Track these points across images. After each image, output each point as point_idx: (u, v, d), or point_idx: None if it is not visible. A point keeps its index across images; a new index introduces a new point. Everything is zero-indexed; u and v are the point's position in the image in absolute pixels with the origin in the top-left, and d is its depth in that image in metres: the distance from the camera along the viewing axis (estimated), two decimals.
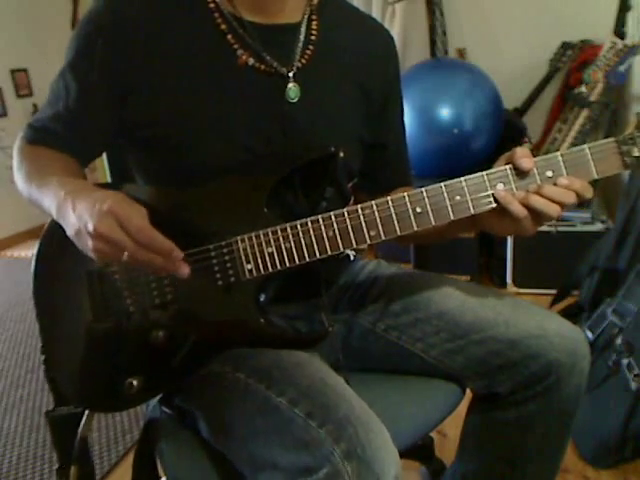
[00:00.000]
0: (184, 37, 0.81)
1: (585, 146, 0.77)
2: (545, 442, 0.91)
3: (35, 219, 3.48)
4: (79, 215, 0.68)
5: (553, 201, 0.75)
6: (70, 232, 0.71)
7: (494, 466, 0.96)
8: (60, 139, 0.84)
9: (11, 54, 3.59)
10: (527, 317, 0.88)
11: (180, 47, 0.80)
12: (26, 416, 1.84)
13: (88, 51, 0.80)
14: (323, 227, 0.77)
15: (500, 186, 0.76)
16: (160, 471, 0.92)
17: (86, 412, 0.89)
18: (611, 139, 0.77)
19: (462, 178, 0.76)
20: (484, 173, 0.77)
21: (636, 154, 0.76)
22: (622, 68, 2.34)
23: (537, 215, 0.76)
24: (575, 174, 0.76)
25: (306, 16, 0.86)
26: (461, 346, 0.89)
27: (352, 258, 1.04)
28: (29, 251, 3.52)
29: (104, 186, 0.85)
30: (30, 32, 3.62)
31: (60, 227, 0.74)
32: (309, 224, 0.77)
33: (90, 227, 0.66)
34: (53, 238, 0.84)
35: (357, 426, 0.67)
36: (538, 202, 0.75)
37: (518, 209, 0.75)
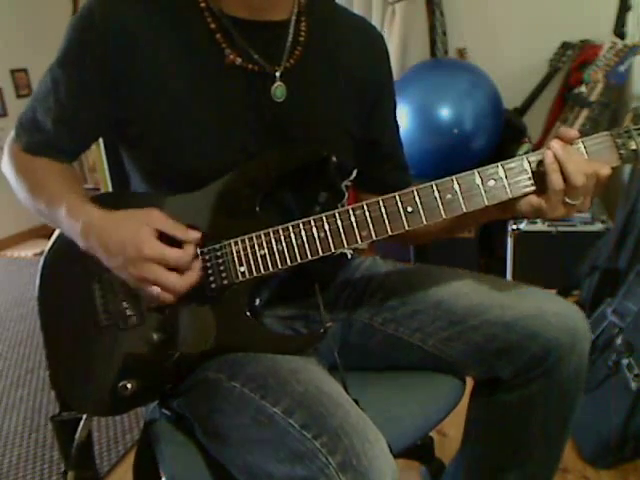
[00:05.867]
0: (174, 35, 0.81)
1: (579, 140, 0.76)
2: (549, 423, 0.91)
3: (35, 219, 3.47)
4: (117, 252, 0.76)
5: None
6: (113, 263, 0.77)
7: (499, 450, 0.96)
8: (50, 138, 0.85)
9: (11, 54, 3.58)
10: (522, 298, 0.88)
11: (169, 45, 0.80)
12: (26, 416, 1.84)
13: (79, 49, 0.80)
14: (314, 228, 0.77)
15: (491, 183, 0.76)
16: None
17: (83, 417, 0.89)
18: (605, 132, 0.76)
19: (453, 176, 0.76)
20: (475, 171, 0.76)
21: (633, 147, 0.75)
22: (622, 68, 2.34)
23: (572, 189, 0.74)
24: None
25: (294, 15, 0.86)
26: (458, 332, 0.89)
27: (349, 257, 1.04)
28: (29, 251, 3.51)
29: (102, 197, 0.87)
30: (30, 32, 3.61)
31: (66, 242, 0.81)
32: (301, 225, 0.78)
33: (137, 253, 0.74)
34: (58, 251, 0.87)
35: (352, 436, 0.66)
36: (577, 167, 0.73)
37: (558, 180, 0.74)
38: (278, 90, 0.84)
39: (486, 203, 0.76)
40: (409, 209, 0.76)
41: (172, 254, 0.75)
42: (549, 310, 0.86)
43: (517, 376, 0.88)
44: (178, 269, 0.75)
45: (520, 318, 0.86)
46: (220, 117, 0.82)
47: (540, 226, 2.30)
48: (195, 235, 0.78)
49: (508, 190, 0.77)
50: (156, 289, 0.75)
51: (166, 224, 0.77)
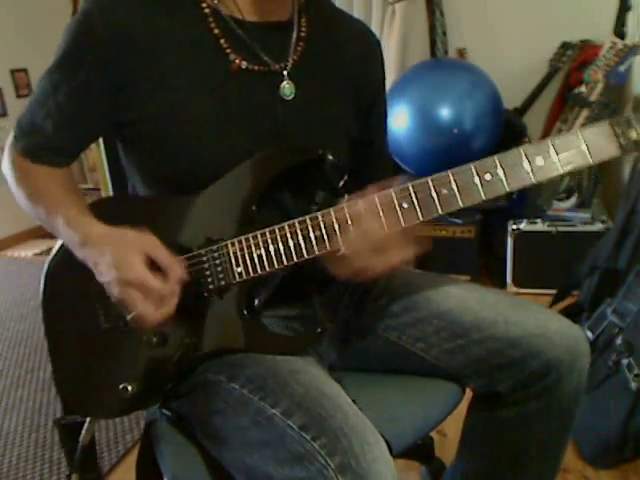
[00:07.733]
0: (177, 41, 0.80)
1: (577, 130, 0.74)
2: (546, 440, 0.91)
3: (35, 219, 3.46)
4: (106, 269, 0.76)
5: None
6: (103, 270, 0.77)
7: (494, 465, 0.96)
8: (50, 141, 0.84)
9: (11, 54, 3.59)
10: (527, 316, 0.88)
11: (173, 51, 0.80)
12: (26, 416, 1.84)
13: (78, 52, 0.80)
14: (310, 227, 0.77)
15: (487, 176, 0.75)
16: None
17: (87, 420, 0.89)
18: (605, 121, 0.74)
19: (449, 171, 0.75)
20: (471, 164, 0.75)
21: (634, 137, 0.73)
22: (622, 68, 2.34)
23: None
24: (569, 159, 0.74)
25: (295, 15, 0.87)
26: (461, 345, 0.89)
27: None
28: (29, 251, 3.51)
29: (101, 204, 0.87)
30: (30, 32, 3.61)
31: (68, 252, 0.81)
32: (296, 225, 0.77)
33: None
34: (62, 257, 0.87)
35: (352, 438, 0.66)
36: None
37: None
38: (287, 88, 0.84)
39: (483, 198, 0.76)
40: (405, 205, 0.76)
41: (154, 283, 0.74)
42: (552, 328, 0.86)
43: (515, 391, 0.88)
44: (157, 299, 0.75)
45: (525, 336, 0.85)
46: (225, 120, 0.82)
47: (540, 226, 2.31)
48: (178, 272, 0.76)
49: (505, 184, 0.76)
50: (132, 313, 0.75)
51: (157, 252, 0.76)
